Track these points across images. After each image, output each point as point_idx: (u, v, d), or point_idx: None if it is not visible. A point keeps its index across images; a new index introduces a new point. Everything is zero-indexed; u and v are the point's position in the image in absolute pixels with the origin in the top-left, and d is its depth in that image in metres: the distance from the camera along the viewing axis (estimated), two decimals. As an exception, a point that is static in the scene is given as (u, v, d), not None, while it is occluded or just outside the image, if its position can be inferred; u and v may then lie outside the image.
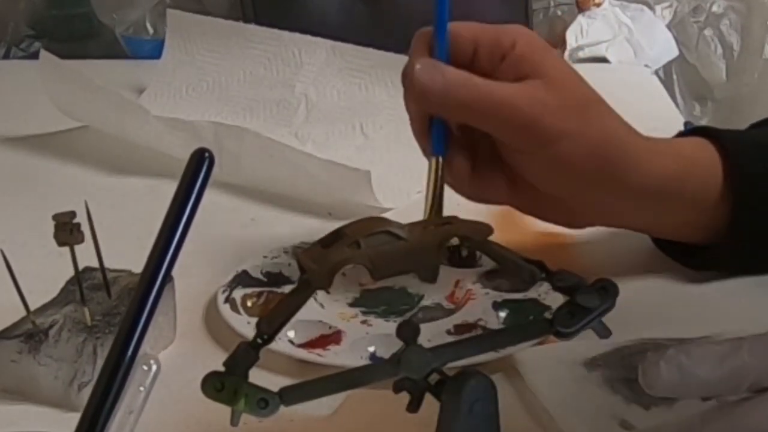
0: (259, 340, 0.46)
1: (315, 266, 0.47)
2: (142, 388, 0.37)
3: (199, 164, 0.35)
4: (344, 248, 0.48)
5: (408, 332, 0.47)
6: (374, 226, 0.49)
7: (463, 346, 0.49)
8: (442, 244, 0.49)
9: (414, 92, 0.63)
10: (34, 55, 1.08)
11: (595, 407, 0.55)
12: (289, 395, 0.46)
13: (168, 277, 0.36)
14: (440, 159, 0.65)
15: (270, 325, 0.47)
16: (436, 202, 0.65)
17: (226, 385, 0.45)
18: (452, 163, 0.65)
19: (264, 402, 0.46)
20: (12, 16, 1.40)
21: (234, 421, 0.46)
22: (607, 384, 0.56)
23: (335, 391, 0.48)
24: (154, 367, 0.38)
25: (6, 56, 1.40)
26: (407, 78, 0.63)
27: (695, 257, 0.70)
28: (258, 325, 0.47)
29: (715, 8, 1.61)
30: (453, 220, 0.51)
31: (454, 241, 0.50)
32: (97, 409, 0.36)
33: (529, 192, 0.66)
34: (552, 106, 0.61)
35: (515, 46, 0.62)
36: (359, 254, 0.47)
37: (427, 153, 0.66)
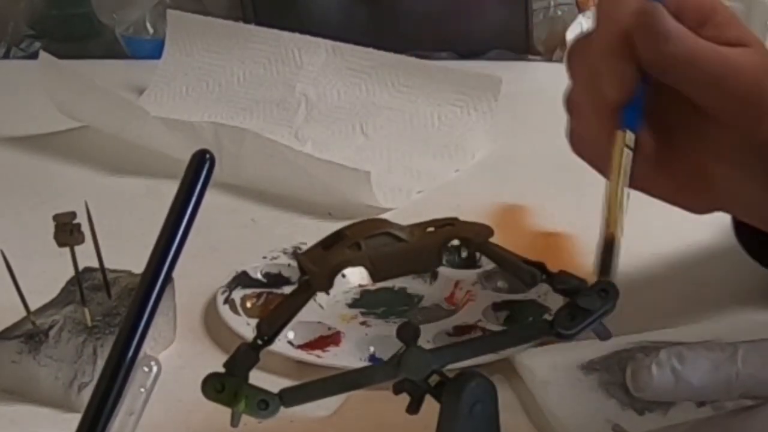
0: (259, 342, 0.46)
1: (315, 268, 0.47)
2: (142, 390, 0.37)
3: (200, 166, 0.35)
4: (345, 250, 0.48)
5: (408, 333, 0.47)
6: (375, 227, 0.49)
7: (463, 348, 0.48)
8: (443, 246, 0.49)
9: (648, 35, 0.52)
10: (34, 55, 1.08)
11: (590, 411, 0.55)
12: (290, 396, 0.46)
13: (169, 278, 0.36)
14: (633, 136, 0.53)
15: (270, 326, 0.47)
16: (622, 187, 0.54)
17: (227, 386, 0.45)
18: (643, 142, 0.55)
19: (264, 403, 0.46)
20: (12, 16, 1.40)
21: (234, 422, 0.46)
22: (602, 388, 0.56)
23: (336, 392, 0.48)
24: (154, 369, 0.38)
25: (6, 56, 1.40)
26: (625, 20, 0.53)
27: None
28: (258, 326, 0.47)
29: None
30: (453, 221, 0.51)
31: (455, 242, 0.50)
32: (98, 411, 0.36)
33: (679, 173, 0.58)
34: None
35: (716, 11, 0.55)
36: (359, 256, 0.47)
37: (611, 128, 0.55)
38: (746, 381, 0.48)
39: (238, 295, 0.69)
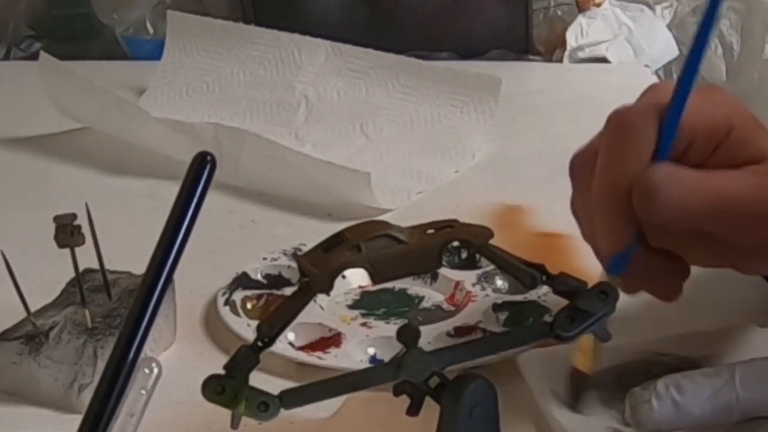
0: (259, 344, 0.46)
1: (315, 270, 0.47)
2: (143, 392, 0.37)
3: (201, 168, 0.35)
4: (345, 252, 0.48)
5: (408, 335, 0.47)
6: (375, 229, 0.49)
7: (463, 350, 0.48)
8: (443, 248, 0.49)
9: (647, 207, 0.50)
10: (35, 56, 1.08)
11: (591, 416, 0.54)
12: (290, 398, 0.46)
13: (170, 280, 0.36)
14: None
15: (271, 328, 0.47)
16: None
17: (227, 388, 0.45)
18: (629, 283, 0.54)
19: (264, 405, 0.46)
20: (12, 17, 1.40)
21: (234, 424, 0.46)
22: (602, 402, 0.56)
23: (336, 394, 0.48)
24: (155, 370, 0.38)
25: (6, 57, 1.40)
26: (618, 181, 0.51)
27: None
28: (258, 328, 0.47)
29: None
30: (453, 223, 0.51)
31: (455, 244, 0.50)
32: (99, 412, 0.36)
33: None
34: None
35: (731, 132, 0.53)
36: (360, 258, 0.47)
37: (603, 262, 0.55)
38: (746, 404, 0.48)
39: (238, 296, 0.69)
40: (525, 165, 0.98)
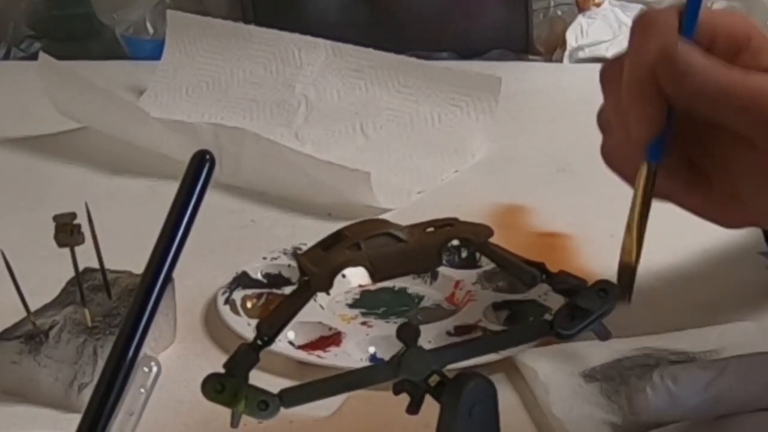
0: (259, 342, 0.46)
1: (315, 268, 0.47)
2: (142, 390, 0.37)
3: (200, 166, 0.35)
4: (344, 250, 0.48)
5: (408, 334, 0.47)
6: (375, 228, 0.49)
7: (463, 348, 0.48)
8: (443, 247, 0.49)
9: (671, 73, 0.52)
10: (34, 56, 1.08)
11: (591, 413, 0.54)
12: (290, 397, 0.46)
13: (170, 278, 0.36)
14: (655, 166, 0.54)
15: (270, 327, 0.47)
16: (645, 215, 0.55)
17: (227, 387, 0.45)
18: (671, 169, 0.55)
19: (264, 404, 0.46)
20: (12, 17, 1.40)
21: (234, 422, 0.46)
22: (603, 395, 0.56)
23: (335, 392, 0.48)
24: (155, 369, 0.38)
25: (6, 57, 1.40)
26: (646, 59, 0.52)
27: None
28: (258, 326, 0.47)
29: (715, 8, 1.61)
30: (453, 221, 0.51)
31: (455, 242, 0.50)
32: (98, 411, 0.36)
33: (710, 192, 0.58)
34: None
35: (751, 38, 0.54)
36: (359, 256, 0.47)
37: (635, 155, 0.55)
38: (739, 396, 0.48)
39: (238, 295, 0.69)
40: (525, 165, 0.98)
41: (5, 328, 0.61)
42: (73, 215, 0.59)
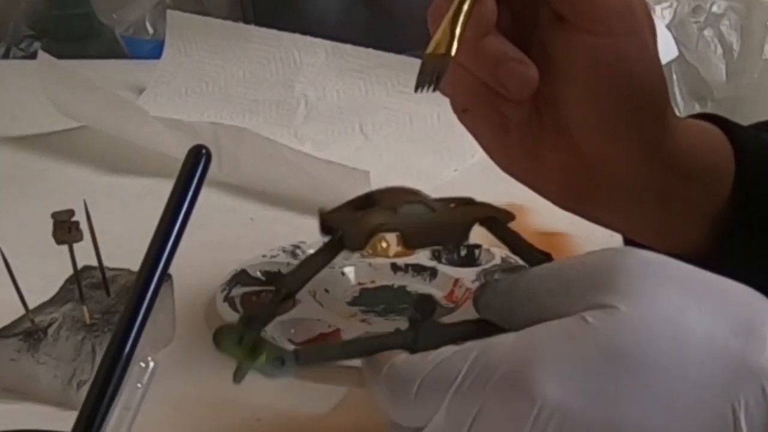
0: (282, 294, 0.45)
1: (351, 227, 0.46)
2: (139, 385, 0.37)
3: (196, 161, 0.35)
4: (382, 212, 0.47)
5: (426, 306, 0.46)
6: (405, 195, 0.48)
7: (477, 325, 0.47)
8: (472, 224, 0.49)
9: None
10: (34, 55, 1.08)
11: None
12: (306, 355, 0.44)
13: (166, 273, 0.36)
14: None
15: (296, 280, 0.46)
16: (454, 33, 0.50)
17: (246, 338, 0.43)
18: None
19: (281, 360, 0.43)
20: (12, 16, 1.40)
21: (239, 377, 0.44)
22: None
23: (350, 356, 0.46)
24: (151, 364, 0.38)
25: (6, 56, 1.40)
26: None
27: None
28: (283, 278, 0.46)
29: (715, 8, 1.60)
30: (470, 200, 0.51)
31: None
32: (95, 406, 0.36)
33: (537, 136, 0.57)
34: None
35: None
36: (396, 221, 0.47)
37: None
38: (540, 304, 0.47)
39: (237, 293, 0.69)
40: (524, 164, 0.97)
41: (4, 325, 0.61)
42: (71, 212, 0.59)
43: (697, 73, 1.76)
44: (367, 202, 0.48)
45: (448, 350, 0.42)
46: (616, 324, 0.39)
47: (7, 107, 1.14)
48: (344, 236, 0.47)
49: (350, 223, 0.47)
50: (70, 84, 1.01)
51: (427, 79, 0.48)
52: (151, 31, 1.36)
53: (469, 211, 0.49)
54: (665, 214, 0.60)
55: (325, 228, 0.48)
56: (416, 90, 0.48)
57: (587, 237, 0.78)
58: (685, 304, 0.40)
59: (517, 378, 0.39)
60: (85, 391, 0.58)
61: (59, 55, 1.04)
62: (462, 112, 0.56)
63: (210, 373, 0.61)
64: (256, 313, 0.44)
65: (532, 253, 0.49)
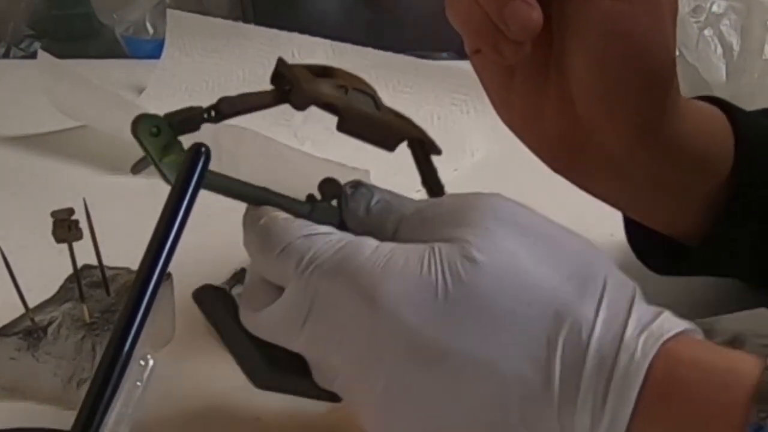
0: (212, 113, 0.46)
1: (300, 87, 0.47)
2: (138, 384, 0.37)
3: (196, 158, 0.35)
4: (335, 87, 0.48)
5: (329, 189, 0.48)
6: (363, 84, 0.49)
7: None
8: (404, 137, 0.53)
9: None
10: (34, 55, 1.08)
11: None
12: (211, 182, 0.44)
13: (165, 272, 0.36)
14: None
15: (230, 106, 0.46)
16: None
17: (163, 132, 0.43)
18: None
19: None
20: (12, 16, 1.41)
21: (136, 169, 0.45)
22: None
23: (248, 197, 0.48)
24: (150, 362, 0.38)
25: (6, 56, 1.40)
26: None
27: (683, 260, 0.64)
28: (220, 101, 0.46)
29: (715, 8, 1.60)
30: (416, 125, 0.54)
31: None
32: (94, 404, 0.36)
33: (544, 95, 0.59)
34: None
35: None
36: (342, 100, 0.48)
37: None
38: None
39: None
40: (524, 164, 0.97)
41: (4, 324, 0.61)
42: (71, 211, 0.59)
43: (697, 73, 1.76)
44: (325, 72, 0.49)
45: (324, 229, 0.45)
46: (461, 255, 0.42)
47: (7, 107, 1.14)
48: (291, 92, 0.47)
49: (301, 83, 0.47)
50: (70, 84, 1.01)
51: None
52: (151, 30, 1.36)
53: (408, 126, 0.50)
54: (657, 194, 0.61)
55: (276, 77, 0.48)
56: None
57: (587, 237, 0.78)
58: (527, 247, 0.44)
59: (366, 279, 0.42)
60: (85, 389, 0.58)
61: (59, 55, 1.04)
62: (473, 54, 0.59)
63: (209, 371, 0.61)
64: (184, 117, 0.44)
65: (439, 190, 0.51)
